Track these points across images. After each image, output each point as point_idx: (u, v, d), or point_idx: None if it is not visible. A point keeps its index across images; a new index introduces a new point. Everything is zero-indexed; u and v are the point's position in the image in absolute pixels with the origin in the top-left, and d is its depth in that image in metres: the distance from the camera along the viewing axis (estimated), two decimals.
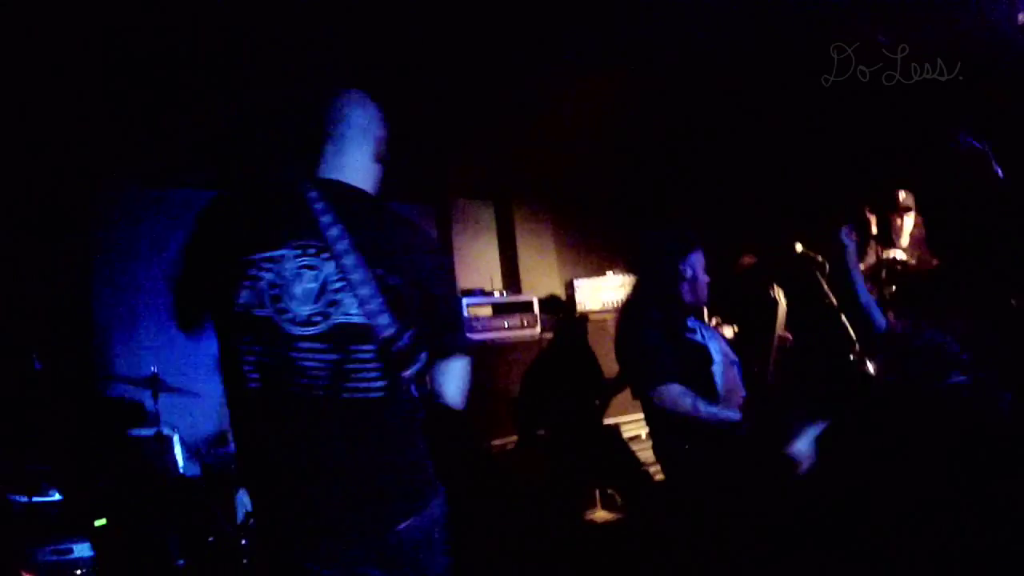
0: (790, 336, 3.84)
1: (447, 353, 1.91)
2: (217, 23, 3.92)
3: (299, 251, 1.75)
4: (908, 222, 4.54)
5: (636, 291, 3.62)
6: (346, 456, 1.73)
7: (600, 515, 5.51)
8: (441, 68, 4.84)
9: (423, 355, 1.80)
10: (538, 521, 4.97)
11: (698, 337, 3.43)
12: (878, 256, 4.67)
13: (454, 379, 1.91)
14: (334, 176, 1.93)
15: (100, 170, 4.84)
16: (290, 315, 1.72)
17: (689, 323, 3.45)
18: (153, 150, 4.86)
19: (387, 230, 1.85)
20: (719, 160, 6.36)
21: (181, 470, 3.92)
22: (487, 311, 6.01)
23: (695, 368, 3.32)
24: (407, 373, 1.76)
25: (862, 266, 4.69)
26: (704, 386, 3.29)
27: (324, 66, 4.47)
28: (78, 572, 3.10)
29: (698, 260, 3.50)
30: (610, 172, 6.73)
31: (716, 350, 3.43)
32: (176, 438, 3.93)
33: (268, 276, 1.74)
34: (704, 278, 3.51)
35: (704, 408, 3.16)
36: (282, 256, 1.75)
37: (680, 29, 4.67)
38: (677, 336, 3.35)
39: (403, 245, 1.84)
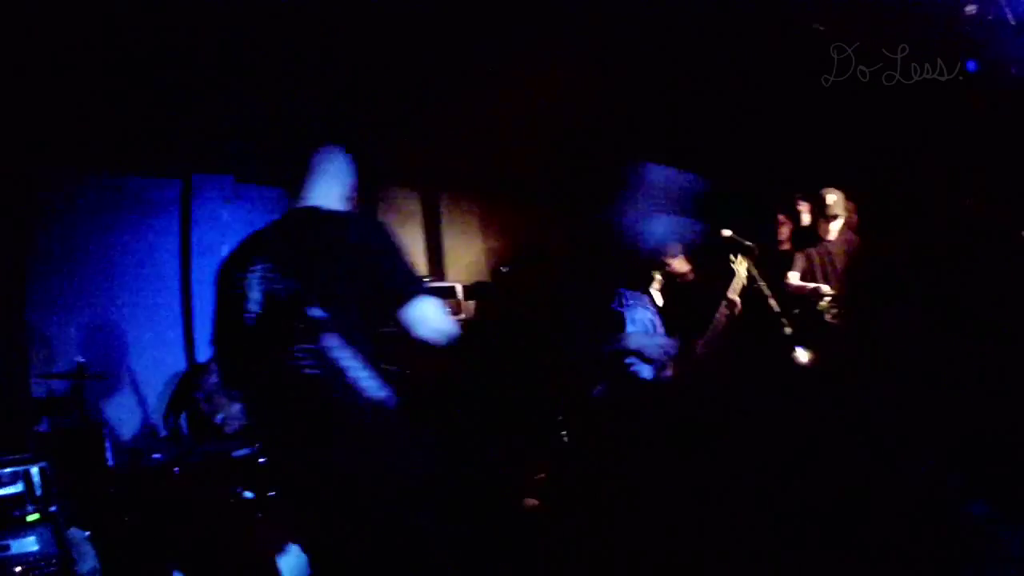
0: (738, 302, 3.98)
1: (408, 298, 2.27)
2: (156, 10, 3.85)
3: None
4: (836, 224, 4.85)
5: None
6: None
7: (530, 502, 5.58)
8: (367, 59, 4.85)
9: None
10: (469, 509, 5.02)
11: (616, 305, 3.67)
12: (806, 250, 4.97)
13: (419, 316, 2.27)
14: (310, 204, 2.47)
15: (36, 157, 4.67)
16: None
17: (620, 292, 3.66)
18: (91, 137, 4.70)
19: (340, 234, 2.36)
20: (648, 147, 6.50)
21: (110, 463, 3.84)
22: None
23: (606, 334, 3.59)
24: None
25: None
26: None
27: (254, 53, 4.43)
28: (17, 569, 3.02)
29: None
30: (539, 161, 6.82)
31: (632, 318, 3.64)
32: (104, 431, 3.84)
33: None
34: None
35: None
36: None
37: (608, 17, 4.69)
38: (595, 306, 3.63)
39: (352, 244, 2.33)
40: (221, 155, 5.35)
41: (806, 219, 5.29)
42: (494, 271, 5.44)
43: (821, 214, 4.90)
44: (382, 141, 6.18)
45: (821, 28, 4.52)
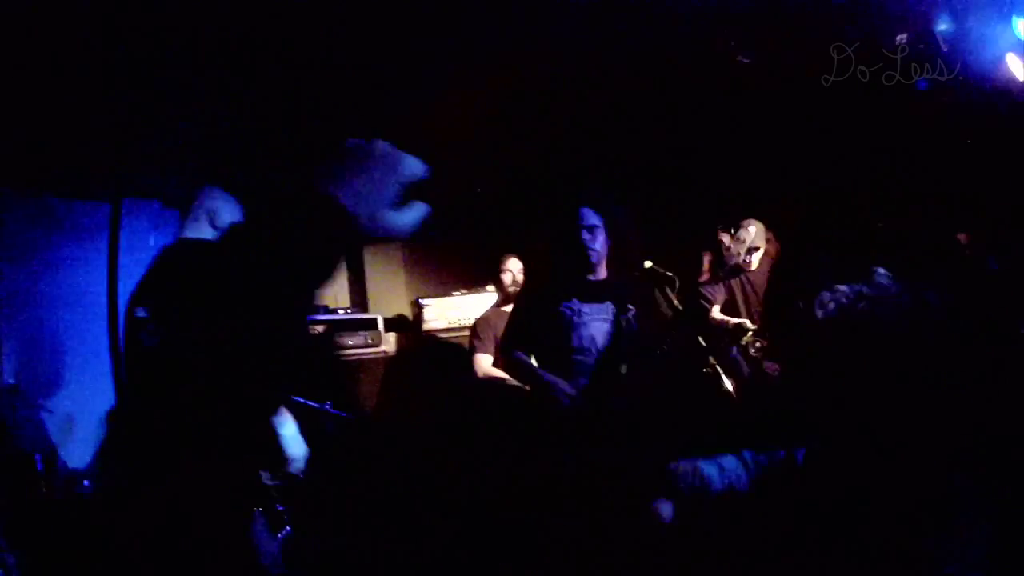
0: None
1: None
2: (98, 26, 3.83)
3: None
4: (757, 255, 5.04)
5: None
6: None
7: None
8: (285, 84, 4.81)
9: None
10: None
11: (567, 312, 3.74)
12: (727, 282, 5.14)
13: None
14: None
15: None
16: None
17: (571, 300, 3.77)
18: (31, 158, 4.59)
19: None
20: (571, 176, 6.59)
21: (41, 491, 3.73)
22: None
23: (556, 340, 3.69)
24: None
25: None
26: (563, 358, 3.67)
27: (200, 67, 4.42)
28: None
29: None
30: (461, 192, 6.90)
31: (583, 324, 3.74)
32: (37, 457, 3.75)
33: None
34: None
35: (545, 376, 3.59)
36: None
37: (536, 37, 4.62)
38: (548, 311, 3.73)
39: None
40: (149, 179, 5.30)
41: (728, 250, 5.53)
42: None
43: (742, 247, 5.00)
44: (298, 172, 6.17)
45: (745, 60, 4.63)
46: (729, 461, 2.02)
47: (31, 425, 3.91)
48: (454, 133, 5.74)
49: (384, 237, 0.95)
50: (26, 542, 3.51)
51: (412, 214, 0.96)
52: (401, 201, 0.94)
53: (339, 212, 0.88)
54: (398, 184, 0.93)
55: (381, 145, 0.94)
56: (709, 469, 1.96)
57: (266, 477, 4.08)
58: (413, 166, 0.96)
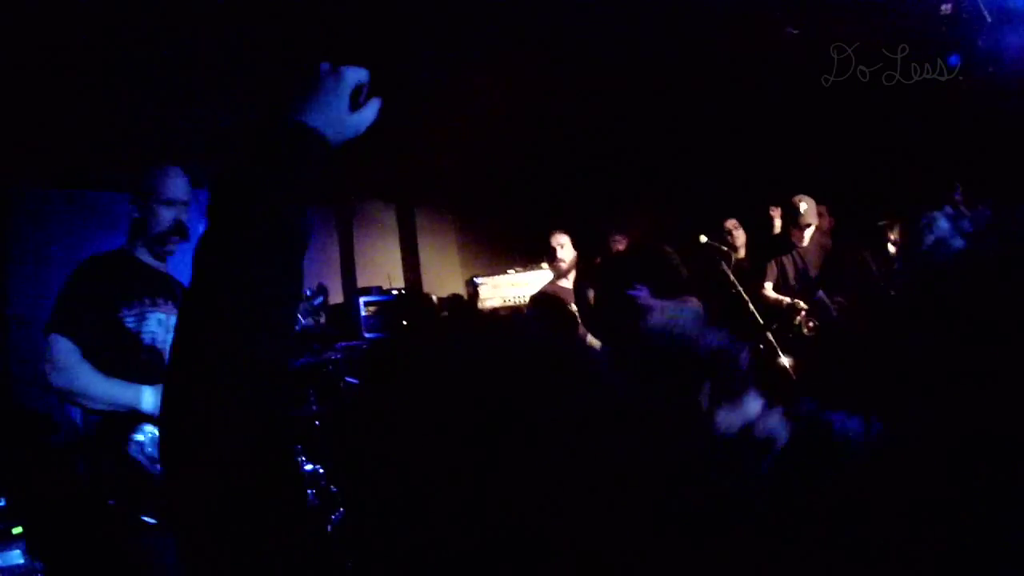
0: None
1: None
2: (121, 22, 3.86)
3: None
4: (808, 232, 4.87)
5: None
6: None
7: None
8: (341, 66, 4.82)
9: None
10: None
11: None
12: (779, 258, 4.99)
13: None
14: None
15: (7, 172, 4.65)
16: None
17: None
18: (60, 151, 4.69)
19: None
20: (624, 157, 6.48)
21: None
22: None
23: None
24: None
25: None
26: None
27: (213, 59, 4.42)
28: None
29: None
30: (512, 171, 6.87)
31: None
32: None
33: None
34: None
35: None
36: None
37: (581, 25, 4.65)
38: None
39: None
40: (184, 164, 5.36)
41: (778, 226, 5.36)
42: None
43: (793, 222, 4.89)
44: (355, 154, 6.20)
45: (794, 32, 4.52)
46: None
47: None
48: (498, 109, 5.71)
49: (351, 138, 1.06)
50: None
51: (368, 111, 1.09)
52: (355, 105, 1.05)
53: (308, 132, 0.98)
54: (348, 91, 1.03)
55: (323, 66, 1.04)
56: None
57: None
58: (357, 74, 1.06)
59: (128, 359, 2.46)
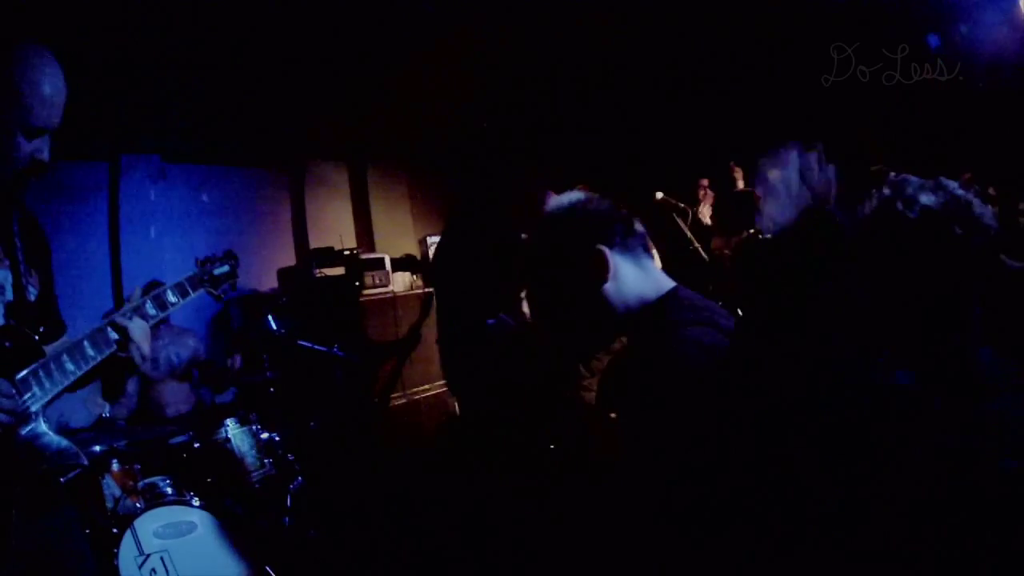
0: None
1: None
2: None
3: None
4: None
5: None
6: None
7: None
8: (293, 29, 4.76)
9: None
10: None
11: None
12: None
13: None
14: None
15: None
16: None
17: None
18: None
19: None
20: (581, 112, 6.43)
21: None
22: (338, 270, 6.05)
23: None
24: None
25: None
26: None
27: (180, 29, 4.36)
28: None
29: None
30: (465, 129, 6.79)
31: None
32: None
33: None
34: None
35: None
36: None
37: None
38: None
39: None
40: (148, 135, 5.28)
41: (740, 185, 5.46)
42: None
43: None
44: (308, 115, 6.13)
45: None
46: None
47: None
48: (453, 65, 5.65)
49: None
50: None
51: None
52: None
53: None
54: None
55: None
56: None
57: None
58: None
59: None
